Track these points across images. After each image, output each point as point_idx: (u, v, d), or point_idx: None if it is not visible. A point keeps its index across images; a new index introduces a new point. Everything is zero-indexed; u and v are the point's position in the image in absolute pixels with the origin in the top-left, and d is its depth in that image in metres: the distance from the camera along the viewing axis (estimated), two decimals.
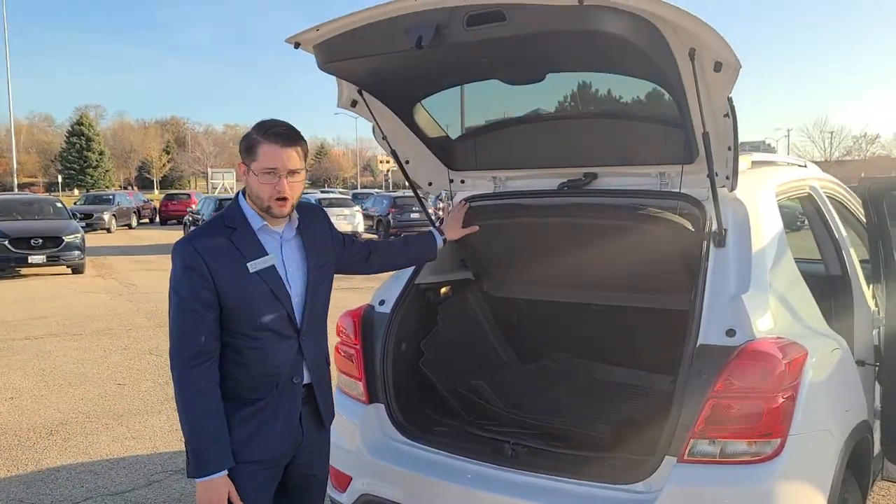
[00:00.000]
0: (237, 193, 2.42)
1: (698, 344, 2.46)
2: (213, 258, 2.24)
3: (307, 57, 2.74)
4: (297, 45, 2.70)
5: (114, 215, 32.42)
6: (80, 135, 78.12)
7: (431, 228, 3.10)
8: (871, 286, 3.46)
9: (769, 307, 2.55)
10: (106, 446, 5.37)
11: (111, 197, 35.67)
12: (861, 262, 3.61)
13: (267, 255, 2.33)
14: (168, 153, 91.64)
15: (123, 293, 13.56)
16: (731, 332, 2.44)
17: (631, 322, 3.55)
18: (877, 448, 3.19)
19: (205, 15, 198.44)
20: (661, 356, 3.33)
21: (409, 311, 3.28)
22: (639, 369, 3.62)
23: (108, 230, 31.29)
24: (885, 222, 3.30)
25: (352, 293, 12.51)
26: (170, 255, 2.33)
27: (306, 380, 2.42)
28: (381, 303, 3.30)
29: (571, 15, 2.20)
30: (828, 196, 3.71)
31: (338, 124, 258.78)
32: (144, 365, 7.84)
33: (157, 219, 38.63)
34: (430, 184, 3.56)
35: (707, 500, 2.33)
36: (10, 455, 5.21)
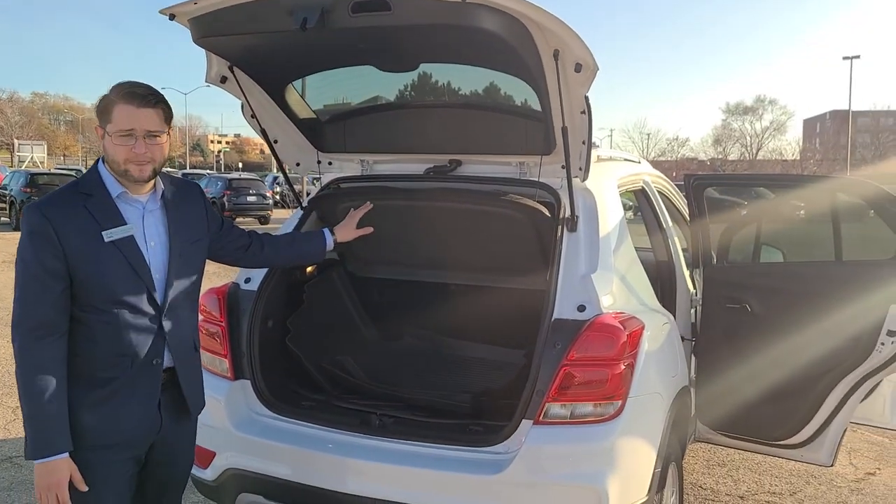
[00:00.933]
0: (97, 160, 2.29)
1: (553, 318, 2.73)
2: (63, 224, 2.10)
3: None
4: (171, 17, 2.66)
5: None
6: None
7: (324, 229, 3.02)
8: (690, 271, 3.95)
9: (613, 285, 2.87)
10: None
11: None
12: (683, 250, 4.09)
13: (125, 224, 2.19)
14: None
15: None
16: (581, 308, 2.72)
17: (488, 301, 3.79)
18: (692, 412, 3.66)
19: None
20: (516, 332, 3.60)
21: (275, 288, 3.31)
22: (494, 345, 3.88)
23: None
24: (704, 214, 3.78)
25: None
26: None
27: (168, 363, 2.30)
28: (247, 280, 3.30)
29: (453, 10, 2.36)
30: (657, 189, 4.16)
31: None
32: None
33: None
34: (297, 164, 3.61)
35: (560, 455, 2.60)
36: None
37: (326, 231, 3.00)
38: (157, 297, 2.24)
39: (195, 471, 3.07)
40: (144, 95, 2.16)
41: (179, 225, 2.33)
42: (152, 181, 2.27)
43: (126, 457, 2.26)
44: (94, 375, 2.18)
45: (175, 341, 2.30)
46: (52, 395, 2.08)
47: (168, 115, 2.24)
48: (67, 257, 2.10)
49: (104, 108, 2.16)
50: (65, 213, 2.12)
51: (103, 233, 2.14)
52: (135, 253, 2.19)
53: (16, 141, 54.09)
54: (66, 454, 2.11)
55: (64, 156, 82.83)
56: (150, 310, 2.22)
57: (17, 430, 4.70)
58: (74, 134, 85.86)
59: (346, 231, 3.08)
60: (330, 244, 2.98)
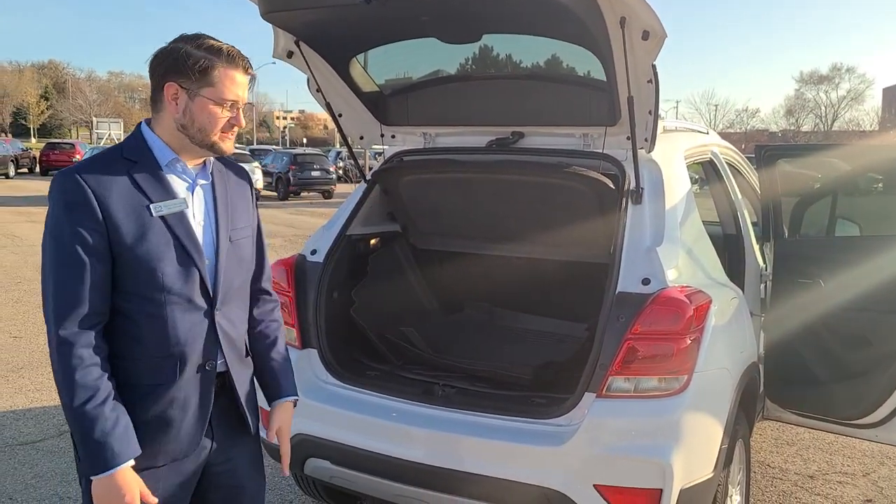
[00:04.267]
0: (139, 123, 1.94)
1: (617, 291, 2.70)
2: (106, 194, 1.75)
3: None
4: None
5: None
6: None
7: (288, 397, 2.20)
8: (760, 245, 3.84)
9: (679, 259, 2.82)
10: (9, 398, 5.20)
11: None
12: (752, 223, 3.98)
13: (176, 197, 1.86)
14: (47, 99, 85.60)
15: (7, 245, 12.81)
16: (646, 281, 2.68)
17: (549, 274, 3.78)
18: (761, 389, 3.58)
19: None
20: (577, 305, 3.58)
21: (340, 260, 3.37)
22: (556, 318, 3.88)
23: None
24: (776, 187, 3.66)
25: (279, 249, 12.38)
26: None
27: (221, 367, 1.94)
28: (313, 252, 3.37)
29: None
30: (726, 161, 4.05)
31: None
32: (39, 318, 7.49)
33: (38, 169, 36.29)
34: (361, 137, 3.64)
35: (623, 429, 2.59)
36: None
37: (281, 401, 2.19)
38: (209, 286, 1.88)
39: (266, 435, 3.18)
40: (247, 63, 1.88)
41: (228, 205, 1.98)
42: None
43: (176, 482, 1.92)
44: (137, 383, 1.83)
45: (229, 342, 1.94)
46: (107, 395, 1.74)
47: None
48: (110, 232, 1.76)
49: (204, 68, 1.80)
50: (107, 180, 1.77)
51: (151, 206, 1.80)
52: (187, 231, 1.85)
53: (94, 119, 56.06)
54: (130, 463, 1.74)
55: None
56: (201, 301, 1.87)
57: (40, 411, 4.97)
58: (149, 111, 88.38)
59: (272, 431, 2.19)
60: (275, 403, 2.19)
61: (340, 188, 27.29)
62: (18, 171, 35.07)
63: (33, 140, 70.00)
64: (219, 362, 1.93)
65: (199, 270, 1.85)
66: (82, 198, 1.74)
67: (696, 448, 2.63)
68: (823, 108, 71.74)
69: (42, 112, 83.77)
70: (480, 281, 4.01)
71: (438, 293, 4.08)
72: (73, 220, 1.73)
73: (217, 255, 1.91)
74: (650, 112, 2.85)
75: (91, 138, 52.67)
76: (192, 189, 1.91)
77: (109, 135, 47.62)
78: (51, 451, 4.32)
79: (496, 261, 3.92)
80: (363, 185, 3.59)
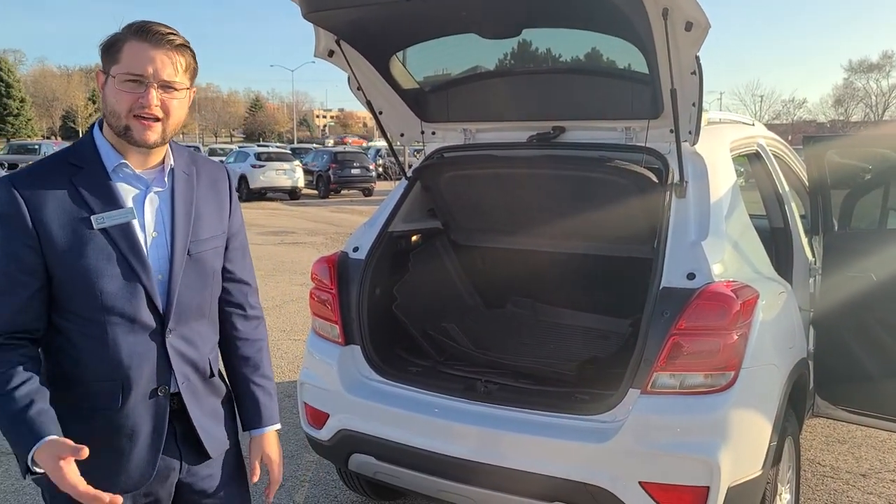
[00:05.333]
0: (91, 125, 1.78)
1: (661, 286, 2.66)
2: (40, 205, 1.62)
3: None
4: None
5: None
6: None
7: (269, 426, 1.97)
8: (809, 238, 3.75)
9: (725, 253, 2.78)
10: None
11: (37, 147, 34.07)
12: (801, 216, 3.89)
13: (122, 206, 1.68)
14: (94, 102, 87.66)
15: None
16: (691, 276, 2.65)
17: (592, 269, 3.75)
18: (811, 386, 3.50)
19: None
20: (620, 301, 3.55)
21: (382, 257, 3.39)
22: (599, 314, 3.85)
23: None
24: (825, 179, 3.58)
25: (295, 248, 12.52)
26: None
27: (175, 389, 1.77)
28: (355, 249, 3.40)
29: None
30: (773, 153, 3.97)
31: (272, 77, 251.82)
32: None
33: None
34: (402, 135, 3.66)
35: (669, 426, 2.55)
36: None
37: (263, 431, 1.97)
38: (159, 304, 1.71)
39: (311, 431, 3.23)
40: (164, 34, 1.65)
41: (191, 214, 1.78)
42: (161, 152, 1.76)
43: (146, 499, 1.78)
44: (82, 407, 1.69)
45: (186, 364, 1.77)
46: (31, 392, 1.59)
47: (190, 65, 1.71)
48: (44, 247, 1.62)
49: (110, 45, 1.65)
50: (44, 189, 1.63)
51: (93, 217, 1.64)
52: (132, 245, 1.67)
53: None
54: (45, 439, 1.54)
55: (183, 133, 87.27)
56: (150, 321, 1.70)
57: None
58: (192, 112, 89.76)
59: (254, 464, 1.98)
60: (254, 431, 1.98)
61: (380, 185, 27.46)
62: None
63: None
64: (172, 385, 1.75)
65: (144, 288, 1.68)
66: (14, 209, 1.61)
67: (745, 445, 2.59)
68: (874, 97, 69.70)
69: (90, 115, 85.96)
70: (522, 277, 4.00)
71: (480, 289, 4.09)
72: (4, 232, 1.62)
73: (171, 271, 1.73)
74: (694, 104, 2.80)
75: None
76: (143, 197, 1.73)
77: None
78: None
79: (538, 256, 3.90)
80: (404, 182, 3.61)
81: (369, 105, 3.42)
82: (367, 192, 26.31)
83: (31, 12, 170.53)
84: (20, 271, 1.62)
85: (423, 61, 3.43)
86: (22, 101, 76.25)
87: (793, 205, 3.84)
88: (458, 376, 3.14)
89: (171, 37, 1.66)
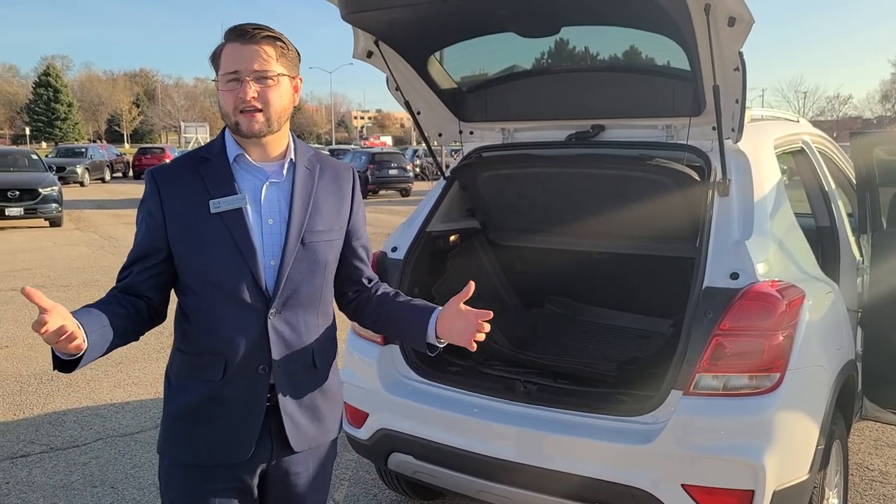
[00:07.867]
0: (224, 127, 1.92)
1: (704, 286, 2.62)
2: (171, 192, 1.82)
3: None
4: None
5: (87, 168, 31.88)
6: (46, 86, 76.21)
7: (429, 324, 1.95)
8: (856, 237, 3.66)
9: (770, 252, 2.72)
10: (108, 391, 5.48)
11: (84, 150, 35.00)
12: (848, 215, 3.79)
13: (237, 193, 1.81)
14: (138, 106, 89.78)
15: (105, 246, 13.49)
16: (734, 276, 2.60)
17: (632, 268, 3.71)
18: (859, 388, 3.41)
19: None
20: (662, 301, 3.50)
21: (420, 257, 3.40)
22: (639, 313, 3.80)
23: (82, 184, 30.81)
24: (873, 176, 3.48)
25: None
26: None
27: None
28: (394, 249, 3.41)
29: None
30: (818, 150, 3.88)
31: (311, 79, 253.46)
32: None
33: (131, 173, 38.09)
34: (440, 134, 3.66)
35: (712, 428, 2.51)
36: (15, 400, 5.30)
37: (432, 332, 1.95)
38: (267, 287, 1.81)
39: (349, 429, 3.25)
40: (251, 31, 1.76)
41: (308, 205, 1.88)
42: (279, 145, 1.87)
43: (221, 486, 1.84)
44: (188, 375, 1.85)
45: (285, 347, 1.84)
46: (98, 307, 1.75)
47: (284, 53, 1.80)
48: (168, 227, 1.80)
49: (214, 54, 1.81)
50: (176, 177, 1.84)
51: (210, 202, 1.79)
52: (240, 229, 1.79)
53: (182, 123, 58.49)
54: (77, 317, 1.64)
55: None
56: (255, 303, 1.80)
57: (137, 404, 5.17)
58: None
59: (448, 326, 1.94)
60: (431, 336, 1.94)
61: (417, 186, 27.53)
62: (114, 175, 36.92)
63: (126, 145, 73.62)
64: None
65: (250, 269, 1.79)
66: (150, 194, 1.84)
67: (791, 449, 2.54)
68: None
69: (134, 118, 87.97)
70: (561, 276, 3.97)
71: (519, 289, 4.07)
72: (141, 209, 1.86)
73: (283, 257, 1.82)
74: (737, 101, 2.75)
75: (179, 142, 54.93)
76: (260, 186, 1.85)
77: (196, 138, 49.53)
78: (148, 442, 4.52)
79: (577, 256, 3.87)
80: (442, 182, 3.61)
81: (407, 105, 3.43)
82: (405, 193, 26.42)
83: (77, 18, 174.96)
84: (147, 241, 1.83)
85: (460, 61, 3.43)
86: (69, 105, 78.49)
87: (839, 203, 3.75)
88: (498, 376, 3.13)
89: (257, 31, 1.77)
